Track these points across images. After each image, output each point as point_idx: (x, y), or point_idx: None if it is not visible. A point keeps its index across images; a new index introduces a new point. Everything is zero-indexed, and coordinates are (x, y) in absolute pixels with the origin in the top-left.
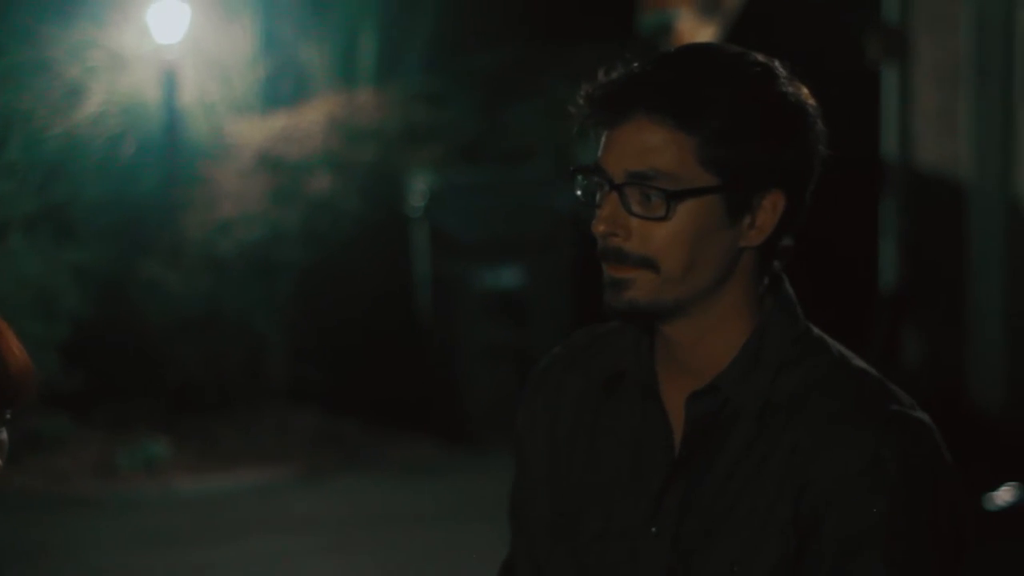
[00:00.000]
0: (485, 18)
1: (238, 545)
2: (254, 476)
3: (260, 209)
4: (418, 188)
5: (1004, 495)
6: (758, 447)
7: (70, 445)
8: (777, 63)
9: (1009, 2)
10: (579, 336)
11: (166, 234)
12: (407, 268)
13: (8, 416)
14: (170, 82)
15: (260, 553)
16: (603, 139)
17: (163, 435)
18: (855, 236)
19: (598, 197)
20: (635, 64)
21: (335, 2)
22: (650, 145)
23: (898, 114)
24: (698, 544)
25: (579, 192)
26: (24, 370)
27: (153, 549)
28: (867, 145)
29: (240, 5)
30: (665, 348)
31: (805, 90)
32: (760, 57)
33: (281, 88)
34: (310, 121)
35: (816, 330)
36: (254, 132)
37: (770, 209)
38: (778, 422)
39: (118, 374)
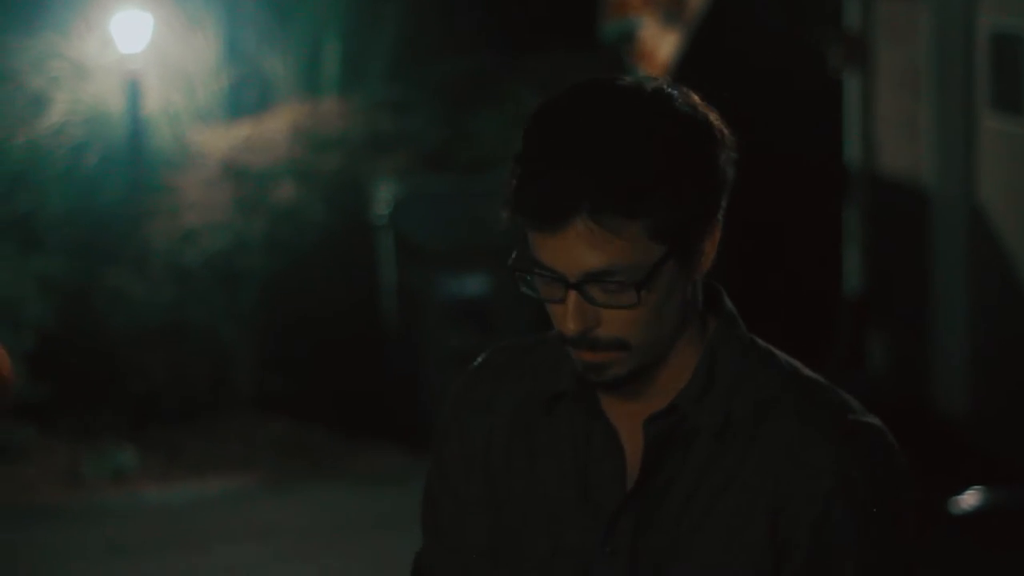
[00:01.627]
0: (449, 26)
1: (204, 554)
2: (220, 485)
3: (225, 218)
4: (383, 196)
5: (969, 499)
6: (721, 465)
7: (36, 455)
8: (672, 90)
9: (968, 9)
10: (497, 354)
11: (131, 243)
12: (372, 276)
13: None
14: (134, 91)
15: (226, 562)
16: (538, 240)
17: (129, 444)
18: (819, 243)
19: (549, 291)
20: (552, 153)
21: (299, 11)
22: (602, 243)
23: (860, 122)
24: (660, 565)
25: (525, 289)
26: (4, 373)
27: (120, 558)
28: (830, 152)
29: (203, 14)
30: None
31: (699, 104)
32: (661, 88)
33: (245, 97)
34: (274, 130)
35: (761, 341)
36: (218, 141)
37: (711, 242)
38: (740, 439)
39: (84, 383)
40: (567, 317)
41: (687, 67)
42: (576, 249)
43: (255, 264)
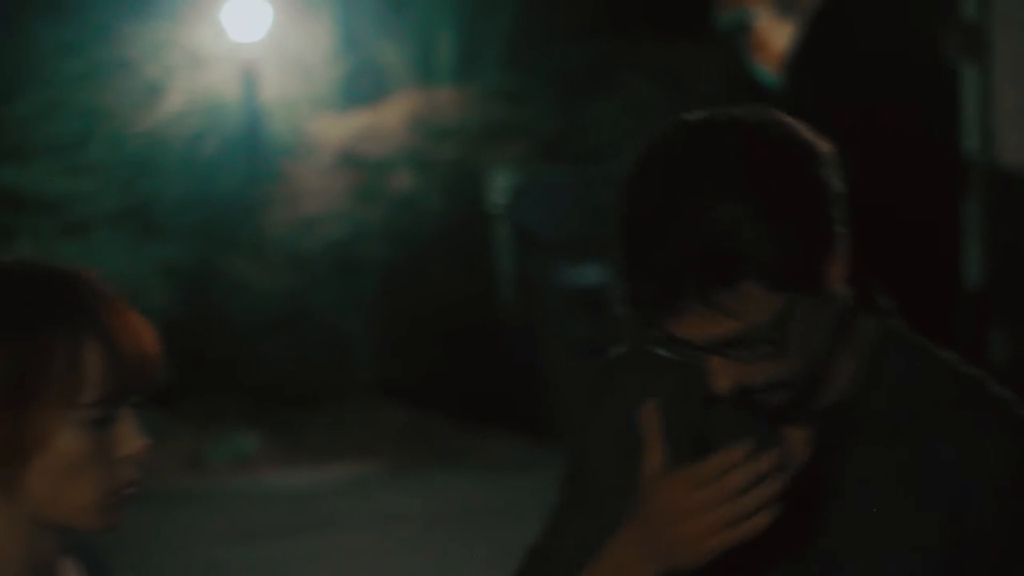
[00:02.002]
0: (563, 14)
1: (325, 539)
2: (342, 471)
3: (343, 207)
4: (500, 186)
5: None
6: (890, 462)
7: (160, 439)
8: (753, 118)
9: None
10: (640, 348)
11: (248, 232)
12: (490, 265)
13: (137, 400)
14: (250, 80)
15: (347, 547)
16: (664, 320)
17: (252, 429)
18: (938, 236)
19: (691, 356)
20: (640, 240)
21: None
22: (719, 318)
23: (978, 112)
24: (827, 566)
25: (672, 356)
26: (148, 352)
27: (242, 542)
28: (948, 144)
29: (320, 3)
30: None
31: (783, 124)
32: (740, 123)
33: (361, 85)
34: (391, 119)
35: (916, 335)
36: (335, 130)
37: (837, 261)
38: (907, 436)
39: (206, 369)
40: (715, 378)
41: (803, 59)
42: (698, 326)
43: (374, 253)
